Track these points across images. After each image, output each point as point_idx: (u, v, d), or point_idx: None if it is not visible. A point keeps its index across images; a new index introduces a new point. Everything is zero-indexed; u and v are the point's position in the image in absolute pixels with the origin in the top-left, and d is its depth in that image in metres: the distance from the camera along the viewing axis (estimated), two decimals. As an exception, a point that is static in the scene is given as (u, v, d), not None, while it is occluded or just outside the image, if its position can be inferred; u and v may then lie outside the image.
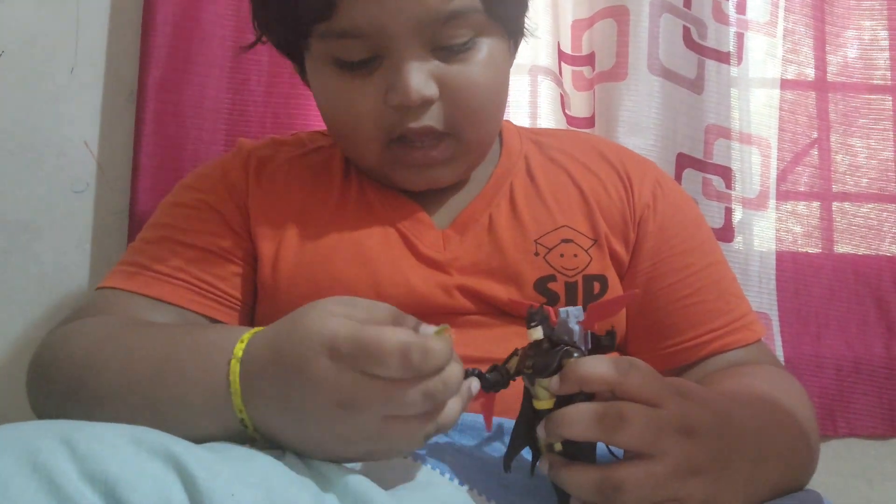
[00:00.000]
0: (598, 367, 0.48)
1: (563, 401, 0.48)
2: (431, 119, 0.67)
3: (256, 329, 0.52)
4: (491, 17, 0.68)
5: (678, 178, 1.07)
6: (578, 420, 0.47)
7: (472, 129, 0.70)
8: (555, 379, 0.48)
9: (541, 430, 0.48)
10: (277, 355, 0.49)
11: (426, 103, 0.66)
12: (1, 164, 0.94)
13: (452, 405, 0.48)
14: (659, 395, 0.48)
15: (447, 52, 0.66)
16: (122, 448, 0.42)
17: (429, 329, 0.48)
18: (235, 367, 0.50)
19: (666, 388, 0.49)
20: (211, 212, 0.74)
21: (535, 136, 0.82)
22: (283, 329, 0.50)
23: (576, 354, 0.48)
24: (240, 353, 0.51)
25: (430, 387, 0.45)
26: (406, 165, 0.70)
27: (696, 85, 1.09)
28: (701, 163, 1.09)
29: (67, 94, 0.97)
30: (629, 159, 0.80)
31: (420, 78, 0.65)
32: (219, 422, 0.51)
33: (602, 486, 0.47)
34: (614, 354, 0.63)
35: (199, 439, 0.47)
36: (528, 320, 0.49)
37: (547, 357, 0.48)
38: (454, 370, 0.47)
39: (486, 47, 0.68)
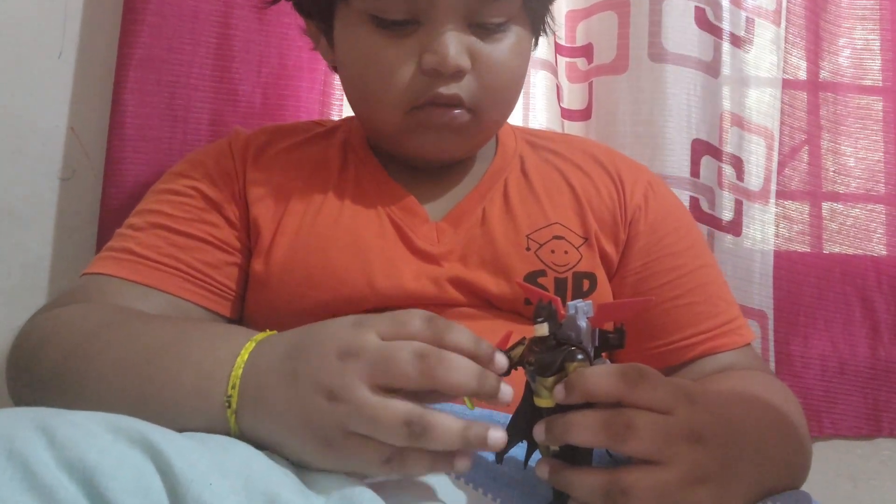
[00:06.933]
0: (604, 380, 0.46)
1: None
2: (460, 89, 0.68)
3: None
4: (524, 8, 0.70)
5: (696, 165, 1.05)
6: (585, 427, 0.46)
7: (492, 108, 0.71)
8: (559, 388, 0.46)
9: (539, 433, 0.47)
10: (299, 338, 0.50)
11: (459, 73, 0.67)
12: (-14, 151, 0.92)
13: (418, 459, 0.46)
14: (667, 403, 0.48)
15: (482, 30, 0.68)
16: (101, 436, 0.41)
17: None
18: (251, 345, 0.51)
19: (674, 394, 0.49)
20: (204, 200, 0.73)
21: (530, 137, 0.83)
22: (312, 327, 0.51)
23: (580, 356, 0.47)
24: (260, 337, 0.51)
25: (414, 417, 0.45)
26: (425, 129, 0.70)
27: (712, 68, 1.07)
28: (716, 150, 1.08)
29: (55, 80, 0.96)
30: (622, 163, 0.81)
31: (457, 47, 0.66)
32: (204, 413, 0.50)
33: (610, 490, 0.46)
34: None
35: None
36: (535, 315, 0.48)
37: (550, 356, 0.47)
38: (450, 423, 0.45)
39: (516, 35, 0.70)
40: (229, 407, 0.49)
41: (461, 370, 0.46)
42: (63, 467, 0.39)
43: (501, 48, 0.69)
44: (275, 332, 0.53)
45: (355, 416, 0.45)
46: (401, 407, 0.45)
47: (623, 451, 0.46)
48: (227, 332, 0.55)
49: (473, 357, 0.47)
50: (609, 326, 0.50)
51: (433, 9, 0.66)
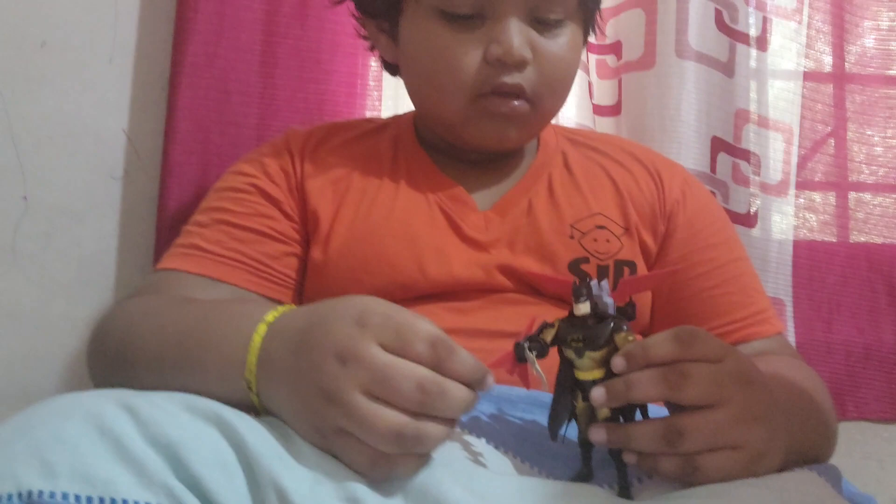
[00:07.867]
0: (661, 348, 0.50)
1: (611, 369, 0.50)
2: (522, 79, 0.72)
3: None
4: (580, 7, 0.75)
5: (713, 161, 1.09)
6: (644, 382, 0.49)
7: (549, 99, 0.76)
8: (618, 359, 0.49)
9: (599, 396, 0.49)
10: (305, 326, 0.51)
11: (522, 63, 0.72)
12: (43, 151, 0.96)
13: (407, 464, 0.47)
14: (718, 353, 0.51)
15: (542, 25, 0.73)
16: (179, 414, 0.45)
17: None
18: (262, 328, 0.53)
19: (724, 346, 0.52)
20: (263, 195, 0.78)
21: (570, 135, 0.87)
22: (323, 307, 0.52)
23: (625, 327, 0.50)
24: (270, 318, 0.53)
25: (408, 431, 0.45)
26: (488, 117, 0.74)
27: (727, 68, 1.10)
28: (732, 147, 1.11)
29: (106, 83, 0.99)
30: (659, 159, 0.85)
31: (520, 39, 0.71)
32: (227, 385, 0.53)
33: (667, 433, 0.49)
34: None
35: None
36: (577, 294, 0.51)
37: (597, 330, 0.50)
38: (439, 430, 0.47)
39: (571, 32, 0.75)
40: (251, 390, 0.52)
41: (456, 401, 0.47)
42: (149, 442, 0.43)
43: (559, 43, 0.74)
44: (289, 307, 0.55)
45: (347, 418, 0.46)
46: (394, 419, 0.45)
47: (680, 398, 0.49)
48: (242, 313, 0.57)
49: (470, 384, 0.48)
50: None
51: (499, 3, 0.70)
